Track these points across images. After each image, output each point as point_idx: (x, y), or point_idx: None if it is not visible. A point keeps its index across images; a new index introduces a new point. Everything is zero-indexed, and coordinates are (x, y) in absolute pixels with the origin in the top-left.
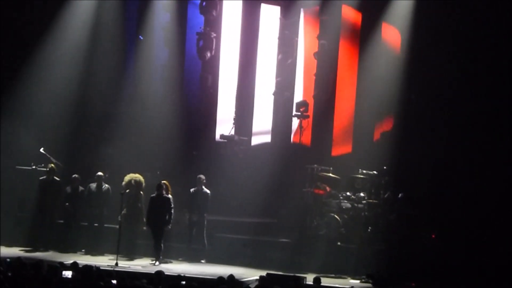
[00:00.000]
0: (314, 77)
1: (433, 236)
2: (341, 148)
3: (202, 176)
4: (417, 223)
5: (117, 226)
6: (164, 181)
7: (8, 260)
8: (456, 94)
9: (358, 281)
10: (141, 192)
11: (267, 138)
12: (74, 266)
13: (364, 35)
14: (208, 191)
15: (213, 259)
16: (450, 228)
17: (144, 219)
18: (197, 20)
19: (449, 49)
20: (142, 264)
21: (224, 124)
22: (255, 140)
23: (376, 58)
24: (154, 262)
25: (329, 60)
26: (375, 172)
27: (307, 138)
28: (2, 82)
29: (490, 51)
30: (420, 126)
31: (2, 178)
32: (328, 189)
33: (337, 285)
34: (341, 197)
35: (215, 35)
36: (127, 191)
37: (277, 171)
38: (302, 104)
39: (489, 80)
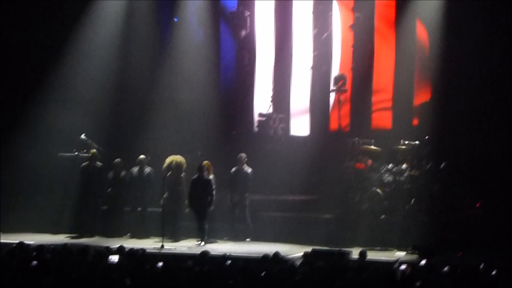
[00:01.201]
0: (351, 50)
1: (478, 204)
2: (381, 120)
3: (243, 155)
4: (460, 193)
5: (160, 209)
6: (206, 162)
7: (52, 246)
8: (497, 59)
9: (404, 253)
10: (182, 174)
11: (306, 114)
12: (120, 250)
13: (400, 4)
14: (249, 170)
15: (257, 238)
16: (494, 197)
17: (186, 201)
18: None
19: (490, 16)
20: (188, 246)
21: (262, 102)
22: (294, 117)
23: (413, 27)
24: (199, 243)
25: (365, 31)
26: (417, 142)
27: (346, 112)
28: (43, 69)
29: None
30: (461, 94)
31: (45, 166)
32: (369, 162)
33: (383, 258)
34: (382, 171)
35: (249, 13)
36: (169, 173)
37: (317, 146)
38: (340, 78)
39: None
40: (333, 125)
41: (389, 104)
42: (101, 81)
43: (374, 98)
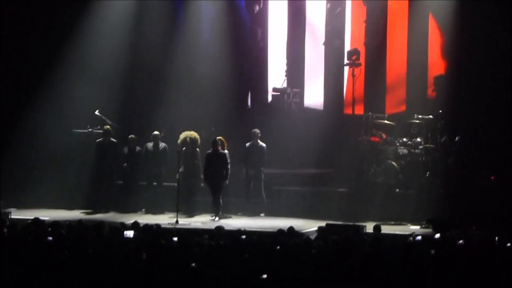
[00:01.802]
0: (364, 24)
1: (493, 177)
2: (395, 94)
3: (257, 130)
4: (475, 166)
5: (176, 184)
6: (220, 137)
7: (67, 222)
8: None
9: (418, 227)
10: (197, 149)
11: (320, 89)
12: (135, 226)
13: None
14: (264, 145)
15: (272, 212)
16: (509, 170)
17: (202, 176)
18: None
19: None
20: (202, 221)
21: (276, 77)
22: (308, 91)
23: (426, 1)
24: (213, 217)
25: (378, 6)
26: (430, 116)
27: (360, 86)
28: (57, 46)
29: None
30: (475, 67)
31: (59, 142)
32: (384, 136)
33: (397, 232)
34: (397, 144)
35: None
36: (183, 149)
37: (332, 120)
38: (354, 53)
39: None
40: (348, 99)
41: (403, 78)
42: (116, 57)
43: (388, 73)
